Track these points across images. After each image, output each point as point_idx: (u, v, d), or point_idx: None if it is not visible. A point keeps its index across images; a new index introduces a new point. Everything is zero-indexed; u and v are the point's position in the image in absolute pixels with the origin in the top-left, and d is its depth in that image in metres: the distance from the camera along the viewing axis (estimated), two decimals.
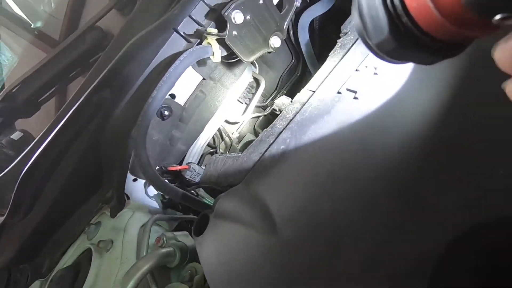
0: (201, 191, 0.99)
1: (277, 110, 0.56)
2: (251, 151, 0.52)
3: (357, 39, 0.48)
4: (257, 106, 1.34)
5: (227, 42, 0.69)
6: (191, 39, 0.76)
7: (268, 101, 1.38)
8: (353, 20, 0.28)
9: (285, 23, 0.75)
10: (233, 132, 1.33)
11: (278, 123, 0.51)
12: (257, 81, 1.28)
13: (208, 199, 0.96)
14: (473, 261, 0.26)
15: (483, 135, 0.28)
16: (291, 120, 0.47)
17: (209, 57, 0.72)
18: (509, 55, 0.21)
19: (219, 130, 1.25)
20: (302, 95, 0.51)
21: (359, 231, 0.31)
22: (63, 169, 0.81)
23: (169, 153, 0.96)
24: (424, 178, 0.30)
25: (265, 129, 0.53)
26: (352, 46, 0.47)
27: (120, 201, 0.82)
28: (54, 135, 0.72)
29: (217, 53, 0.71)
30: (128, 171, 0.86)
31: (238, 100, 1.25)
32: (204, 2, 0.71)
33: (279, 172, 0.42)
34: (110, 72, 0.69)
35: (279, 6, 0.75)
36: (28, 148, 0.84)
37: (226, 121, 1.27)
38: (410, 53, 0.27)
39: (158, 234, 0.77)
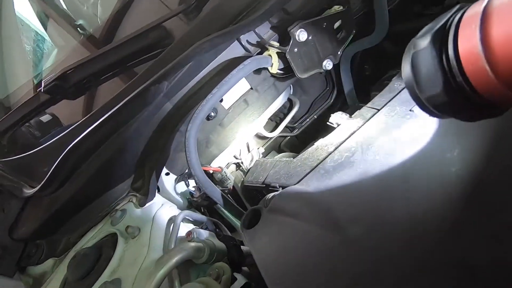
0: None
1: (334, 123, 0.59)
2: (306, 156, 0.54)
3: None
4: (285, 127, 1.37)
5: (287, 56, 0.73)
6: (250, 49, 0.81)
7: (297, 123, 1.41)
8: (404, 72, 0.31)
9: (341, 49, 0.80)
10: (258, 147, 1.35)
11: (338, 134, 0.53)
12: (291, 102, 1.32)
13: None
14: None
15: None
16: (355, 131, 0.50)
17: (264, 68, 0.77)
18: None
19: (247, 142, 1.28)
20: (364, 111, 0.54)
21: (434, 237, 0.31)
22: (103, 152, 0.83)
23: (202, 154, 0.98)
24: (503, 197, 0.31)
25: (321, 139, 0.56)
26: None
27: (152, 191, 0.83)
28: (106, 117, 0.75)
29: (276, 65, 0.75)
30: None
31: (269, 118, 1.29)
32: (269, 21, 0.76)
33: (344, 176, 0.43)
34: (172, 68, 0.73)
35: (338, 32, 0.80)
36: (73, 127, 0.87)
37: (256, 135, 1.30)
38: (456, 109, 0.30)
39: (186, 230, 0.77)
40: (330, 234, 0.37)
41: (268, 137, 1.32)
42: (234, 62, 0.82)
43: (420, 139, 0.40)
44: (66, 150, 0.77)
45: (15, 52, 1.73)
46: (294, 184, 0.48)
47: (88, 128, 0.78)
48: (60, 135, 0.88)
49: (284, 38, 0.80)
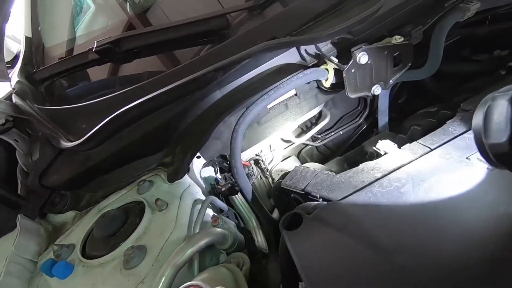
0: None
1: (381, 150, 0.62)
2: (350, 175, 0.57)
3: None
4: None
5: (344, 74, 0.76)
6: (306, 58, 0.84)
7: (322, 134, 1.44)
8: (475, 118, 0.35)
9: (393, 78, 0.83)
10: (280, 150, 1.39)
11: (386, 162, 0.56)
12: (320, 113, 1.35)
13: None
14: None
15: None
16: (405, 164, 0.53)
17: (319, 80, 0.80)
18: None
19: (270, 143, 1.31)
20: (414, 146, 0.57)
21: (476, 273, 0.35)
22: (147, 122, 0.86)
23: None
24: None
25: (367, 162, 0.59)
26: None
27: (183, 171, 0.86)
28: (160, 93, 0.78)
29: (330, 79, 0.78)
30: None
31: None
32: (331, 42, 0.79)
33: (393, 204, 0.46)
34: (233, 60, 0.76)
35: (395, 61, 0.83)
36: (120, 93, 0.91)
37: (281, 138, 1.33)
38: None
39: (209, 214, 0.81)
40: (377, 257, 0.40)
41: (292, 142, 1.35)
42: (289, 68, 0.84)
43: (473, 186, 0.43)
44: (115, 114, 0.80)
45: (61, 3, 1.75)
46: (339, 199, 0.52)
47: (139, 98, 0.81)
48: (106, 98, 0.92)
49: (342, 55, 0.83)
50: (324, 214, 0.49)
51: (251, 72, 0.84)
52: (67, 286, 0.68)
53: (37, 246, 0.82)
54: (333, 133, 1.43)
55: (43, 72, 1.19)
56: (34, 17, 1.44)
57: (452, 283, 0.35)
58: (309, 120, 1.35)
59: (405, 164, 0.53)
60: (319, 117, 1.36)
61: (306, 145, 1.46)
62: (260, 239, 0.90)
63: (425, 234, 0.41)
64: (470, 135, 0.53)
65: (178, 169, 0.88)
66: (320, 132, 1.43)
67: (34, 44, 1.35)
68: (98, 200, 0.95)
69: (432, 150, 0.54)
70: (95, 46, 1.04)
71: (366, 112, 1.36)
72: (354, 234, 0.44)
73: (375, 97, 1.22)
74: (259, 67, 0.84)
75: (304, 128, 1.37)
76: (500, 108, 0.33)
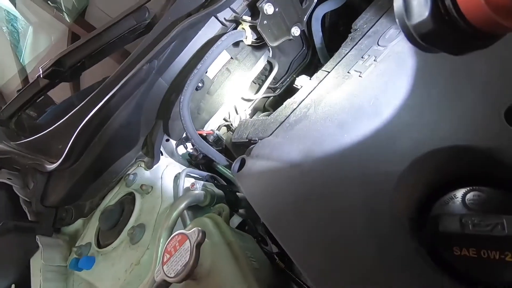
0: None
1: (299, 85, 0.72)
2: (277, 114, 0.69)
3: (364, 34, 0.63)
4: (268, 88, 1.49)
5: (258, 28, 0.84)
6: (227, 24, 0.91)
7: (279, 83, 1.53)
8: (395, 1, 0.30)
9: (305, 16, 0.91)
10: (245, 109, 1.49)
11: (300, 94, 0.67)
12: (271, 64, 1.43)
13: None
14: None
15: None
16: (311, 91, 0.64)
17: (241, 40, 0.88)
18: None
19: (234, 105, 1.41)
20: (319, 74, 0.68)
21: (358, 167, 0.48)
22: (109, 127, 0.96)
23: (195, 121, 1.12)
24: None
25: (289, 99, 0.70)
26: (360, 40, 0.63)
27: (157, 155, 0.98)
28: (110, 96, 0.87)
29: (249, 37, 0.86)
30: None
31: (252, 81, 1.40)
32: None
33: (301, 127, 0.59)
34: (159, 49, 0.84)
35: (301, 1, 0.90)
36: (78, 108, 0.99)
37: (242, 98, 1.42)
38: (443, 40, 0.28)
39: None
40: (292, 169, 0.53)
41: (252, 99, 1.45)
42: (214, 38, 0.92)
43: (352, 95, 0.55)
44: (78, 130, 0.90)
45: None
46: (268, 136, 0.64)
47: (93, 108, 0.90)
48: (68, 116, 1.01)
49: (255, 12, 0.90)
50: (256, 151, 0.62)
51: (183, 51, 0.92)
52: (95, 272, 0.83)
53: (61, 254, 0.98)
54: (288, 79, 1.52)
55: (6, 110, 1.26)
56: None
57: (354, 189, 0.48)
58: (262, 74, 1.43)
59: (311, 92, 0.64)
60: (270, 69, 1.44)
61: (268, 97, 1.56)
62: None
63: (321, 142, 0.53)
64: (353, 52, 0.63)
65: (153, 155, 1.00)
66: (276, 81, 1.52)
67: None
68: (98, 203, 1.08)
69: (329, 73, 0.65)
70: (41, 72, 1.10)
71: (311, 51, 1.44)
72: (277, 159, 0.57)
73: (310, 35, 1.29)
74: (189, 45, 0.92)
75: (260, 83, 1.46)
76: None
